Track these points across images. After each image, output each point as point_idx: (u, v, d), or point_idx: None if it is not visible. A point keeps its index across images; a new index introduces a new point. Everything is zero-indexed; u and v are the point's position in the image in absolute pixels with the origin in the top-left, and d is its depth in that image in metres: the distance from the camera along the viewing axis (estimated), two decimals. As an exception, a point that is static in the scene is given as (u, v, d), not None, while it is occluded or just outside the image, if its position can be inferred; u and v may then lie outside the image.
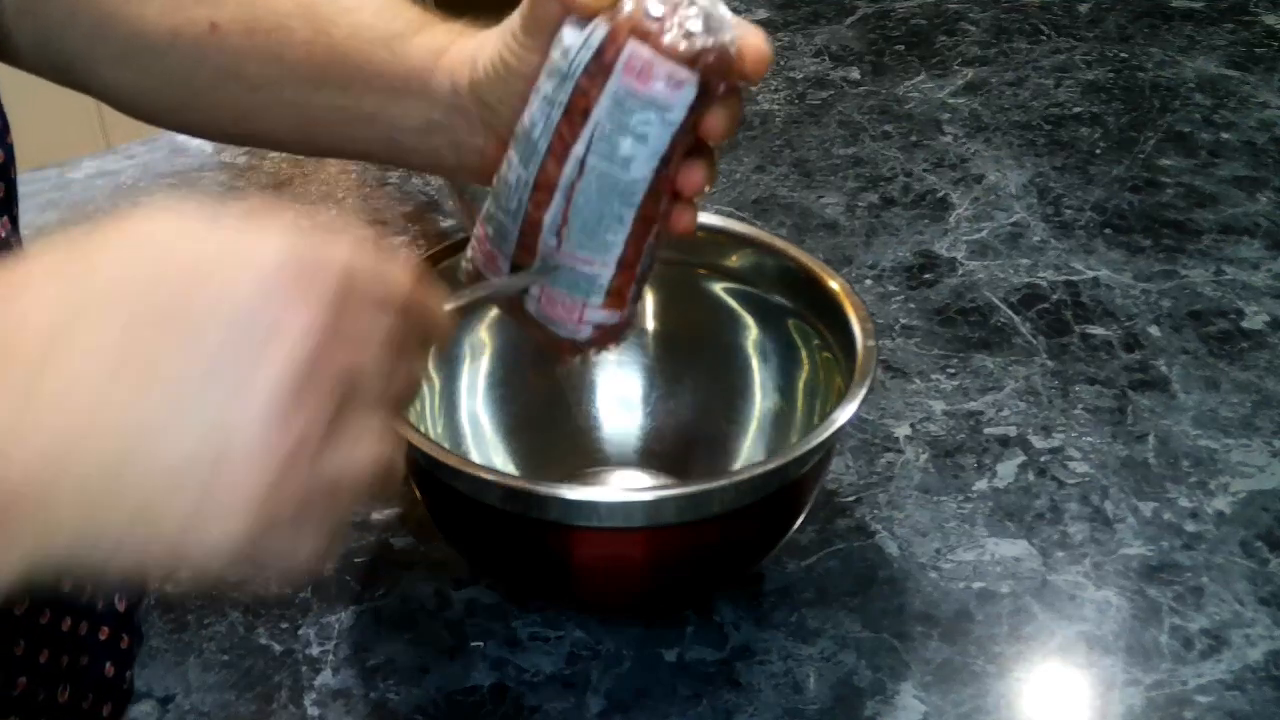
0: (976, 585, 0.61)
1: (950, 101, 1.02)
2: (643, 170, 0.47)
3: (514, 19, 0.51)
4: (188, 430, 0.34)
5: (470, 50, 0.54)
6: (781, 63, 1.08)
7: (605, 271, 0.48)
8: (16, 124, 0.59)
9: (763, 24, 1.13)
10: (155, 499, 0.34)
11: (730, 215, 0.69)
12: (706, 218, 0.66)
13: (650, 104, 0.45)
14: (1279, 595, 0.61)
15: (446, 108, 0.55)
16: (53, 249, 0.36)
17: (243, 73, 0.59)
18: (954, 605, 0.60)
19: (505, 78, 0.52)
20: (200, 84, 0.61)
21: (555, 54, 0.47)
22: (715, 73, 0.46)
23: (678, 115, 0.46)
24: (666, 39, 0.45)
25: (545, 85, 0.48)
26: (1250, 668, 0.57)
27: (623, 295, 0.49)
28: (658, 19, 0.45)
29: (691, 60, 0.45)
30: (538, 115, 0.48)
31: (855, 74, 1.06)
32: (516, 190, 0.48)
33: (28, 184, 0.93)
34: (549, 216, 0.48)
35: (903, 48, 1.10)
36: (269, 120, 0.62)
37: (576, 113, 0.46)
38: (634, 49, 0.45)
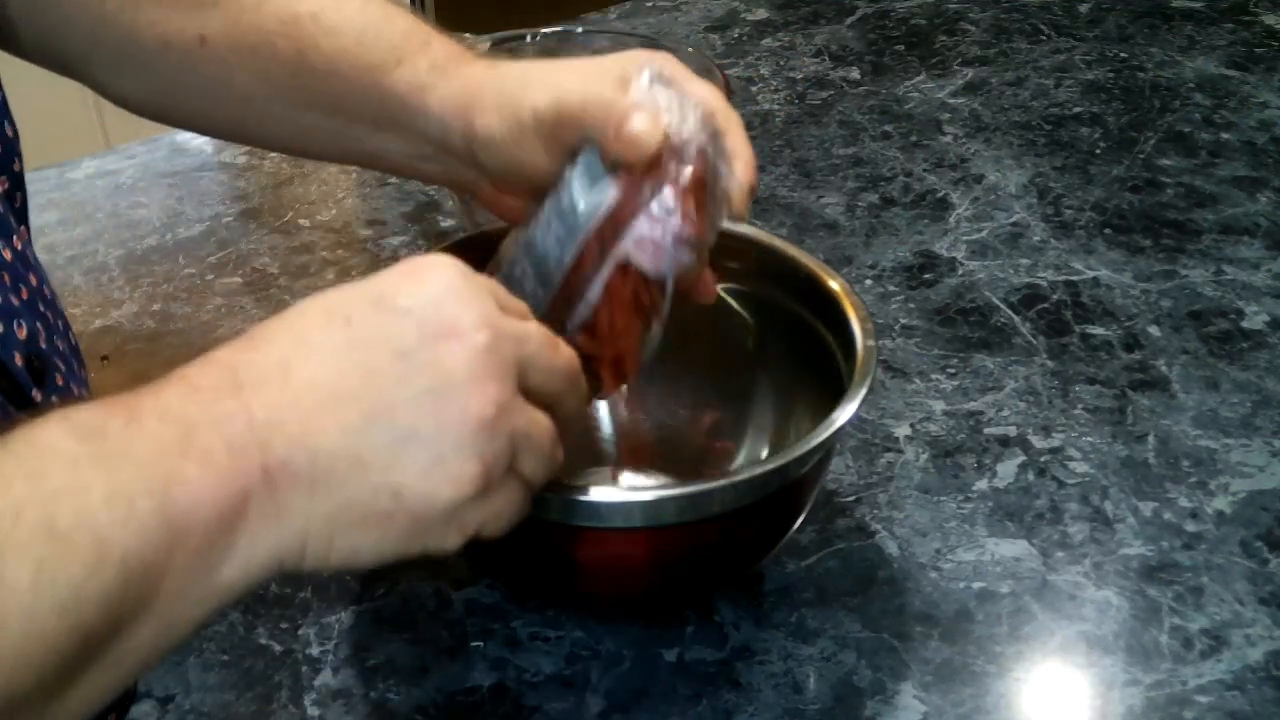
0: (976, 585, 0.61)
1: (950, 101, 1.02)
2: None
3: (523, 109, 0.53)
4: (416, 402, 0.40)
5: (462, 98, 0.55)
6: (781, 63, 1.08)
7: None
8: (16, 123, 0.59)
9: (762, 24, 1.13)
10: (399, 475, 0.40)
11: (730, 215, 0.69)
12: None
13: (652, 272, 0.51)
14: (1279, 595, 0.61)
15: (437, 146, 0.56)
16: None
17: (233, 85, 0.59)
18: (954, 605, 0.60)
19: (505, 155, 0.54)
20: (193, 91, 0.61)
21: (564, 197, 0.51)
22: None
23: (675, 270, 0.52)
24: (673, 225, 0.51)
25: (555, 223, 0.51)
26: (1250, 668, 0.57)
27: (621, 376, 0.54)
28: (666, 207, 0.50)
29: (693, 243, 0.51)
30: (552, 246, 0.51)
31: (855, 74, 1.06)
32: (533, 300, 0.52)
33: (28, 184, 0.93)
34: (570, 323, 0.53)
35: (903, 48, 1.10)
36: (263, 130, 0.63)
37: (589, 259, 0.51)
38: (642, 230, 0.50)
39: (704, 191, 0.51)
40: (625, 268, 0.51)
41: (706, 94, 0.53)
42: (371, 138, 0.58)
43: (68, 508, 0.34)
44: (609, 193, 0.50)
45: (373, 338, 0.41)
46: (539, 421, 0.43)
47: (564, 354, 0.45)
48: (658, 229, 0.50)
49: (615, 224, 0.50)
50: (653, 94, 0.51)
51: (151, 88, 0.63)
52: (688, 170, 0.50)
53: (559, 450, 0.45)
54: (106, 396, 0.39)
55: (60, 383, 0.55)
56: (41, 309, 0.56)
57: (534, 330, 0.44)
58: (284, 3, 0.57)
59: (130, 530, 0.35)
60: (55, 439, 0.36)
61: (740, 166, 0.52)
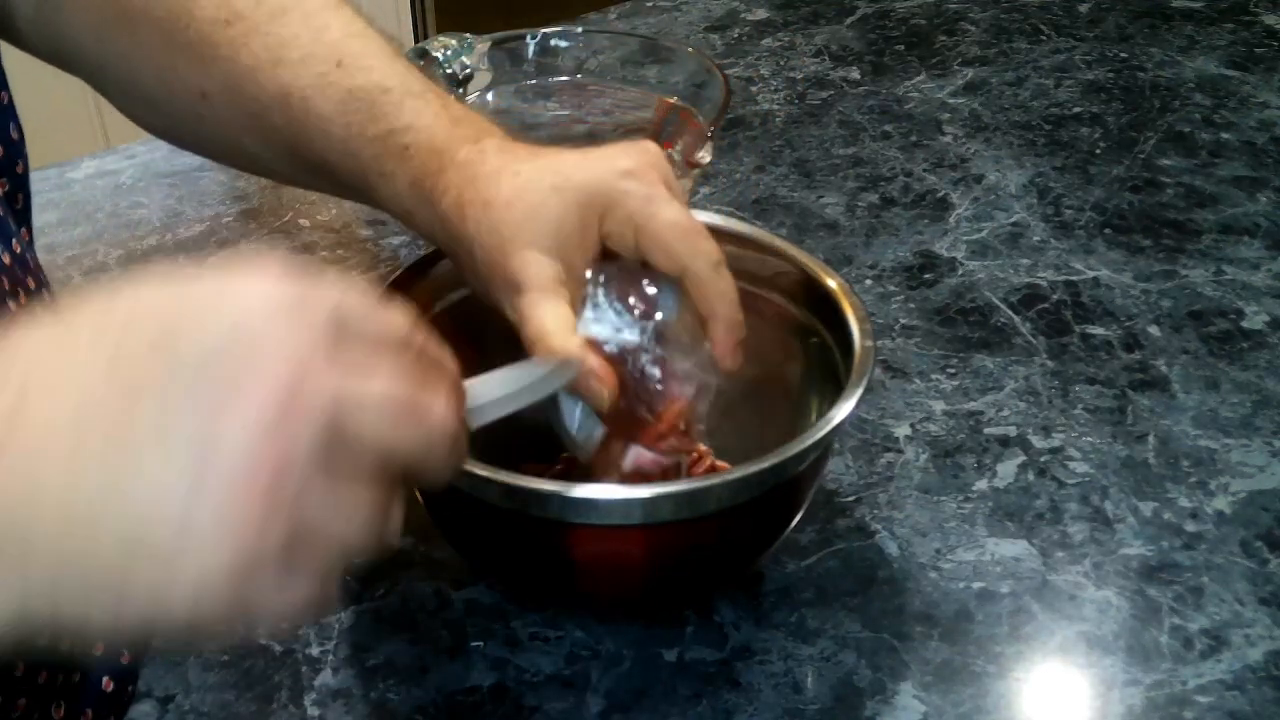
0: (976, 585, 0.61)
1: (950, 101, 1.02)
2: None
3: (505, 264, 0.52)
4: (170, 452, 0.33)
5: (445, 229, 0.54)
6: (781, 63, 1.08)
7: None
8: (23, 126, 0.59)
9: (763, 24, 1.13)
10: (138, 527, 0.33)
11: (730, 215, 0.69)
12: (706, 217, 0.66)
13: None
14: (1279, 595, 0.61)
15: (439, 237, 0.56)
16: (39, 316, 0.35)
17: (237, 139, 0.60)
18: (954, 605, 0.60)
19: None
20: (201, 135, 0.62)
21: (563, 418, 0.54)
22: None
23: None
24: (664, 446, 0.55)
25: (562, 434, 0.54)
26: (1250, 668, 0.57)
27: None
28: (654, 423, 0.54)
29: (687, 450, 0.56)
30: (564, 434, 0.54)
31: (855, 74, 1.06)
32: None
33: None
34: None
35: (903, 48, 1.10)
36: (273, 173, 0.65)
37: (600, 464, 0.55)
38: (636, 453, 0.55)
39: (687, 412, 0.55)
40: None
41: (675, 252, 0.52)
42: (376, 203, 0.59)
43: None
44: (596, 432, 0.54)
45: (138, 382, 0.33)
46: (340, 511, 0.35)
47: (404, 405, 0.36)
48: (647, 455, 0.54)
49: (609, 456, 0.55)
50: (599, 315, 0.54)
51: (160, 123, 0.64)
52: (667, 404, 0.54)
53: (370, 534, 0.36)
54: None
55: None
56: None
57: (372, 387, 0.36)
58: (275, 76, 0.56)
59: None
60: None
61: (719, 328, 0.53)
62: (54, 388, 0.33)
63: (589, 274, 0.54)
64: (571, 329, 0.51)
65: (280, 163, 0.60)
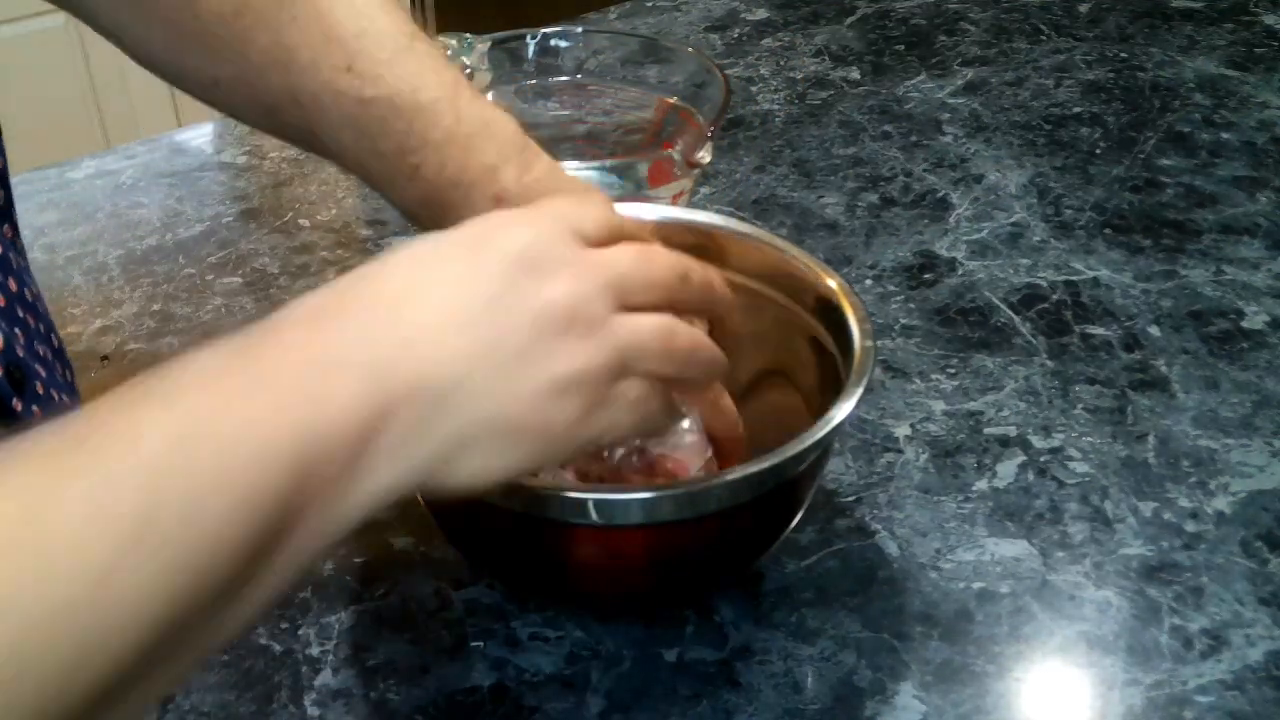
0: (976, 585, 0.61)
1: (950, 101, 1.02)
2: None
3: None
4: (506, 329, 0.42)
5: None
6: (781, 63, 1.08)
7: None
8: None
9: (762, 24, 1.13)
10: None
11: (730, 215, 0.69)
12: (706, 217, 0.66)
13: None
14: (1279, 595, 0.61)
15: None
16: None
17: (253, 121, 0.61)
18: (954, 605, 0.60)
19: None
20: (218, 107, 0.62)
21: None
22: None
23: None
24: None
25: None
26: (1250, 668, 0.57)
27: None
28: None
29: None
30: None
31: (855, 74, 1.06)
32: None
33: (28, 184, 0.93)
34: None
35: (903, 48, 1.10)
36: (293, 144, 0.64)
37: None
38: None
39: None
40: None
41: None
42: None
43: (231, 407, 0.36)
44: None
45: (484, 270, 0.43)
46: (643, 325, 0.45)
47: (658, 265, 0.47)
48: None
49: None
50: None
51: (179, 87, 0.63)
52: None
53: (679, 341, 0.46)
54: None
55: (41, 391, 0.54)
56: (20, 314, 0.55)
57: (625, 254, 0.46)
58: (284, 78, 0.56)
59: (287, 432, 0.36)
60: (205, 355, 0.38)
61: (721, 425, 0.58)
62: (432, 282, 0.42)
63: None
64: None
65: (297, 144, 0.61)
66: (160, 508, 0.33)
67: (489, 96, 0.84)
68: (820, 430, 0.52)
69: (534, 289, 0.42)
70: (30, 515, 0.32)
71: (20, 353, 0.54)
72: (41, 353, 0.57)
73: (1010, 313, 0.79)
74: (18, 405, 0.52)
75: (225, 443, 0.35)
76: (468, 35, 0.83)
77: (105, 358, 0.77)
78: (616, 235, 0.47)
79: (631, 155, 0.79)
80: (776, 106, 1.02)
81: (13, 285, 0.54)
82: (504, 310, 0.42)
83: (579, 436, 0.44)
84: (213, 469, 0.35)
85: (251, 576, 0.36)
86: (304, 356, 0.39)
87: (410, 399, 0.39)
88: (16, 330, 0.54)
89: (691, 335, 0.47)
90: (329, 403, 0.38)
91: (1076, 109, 1.01)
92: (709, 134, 0.77)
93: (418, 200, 0.56)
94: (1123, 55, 1.08)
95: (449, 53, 0.82)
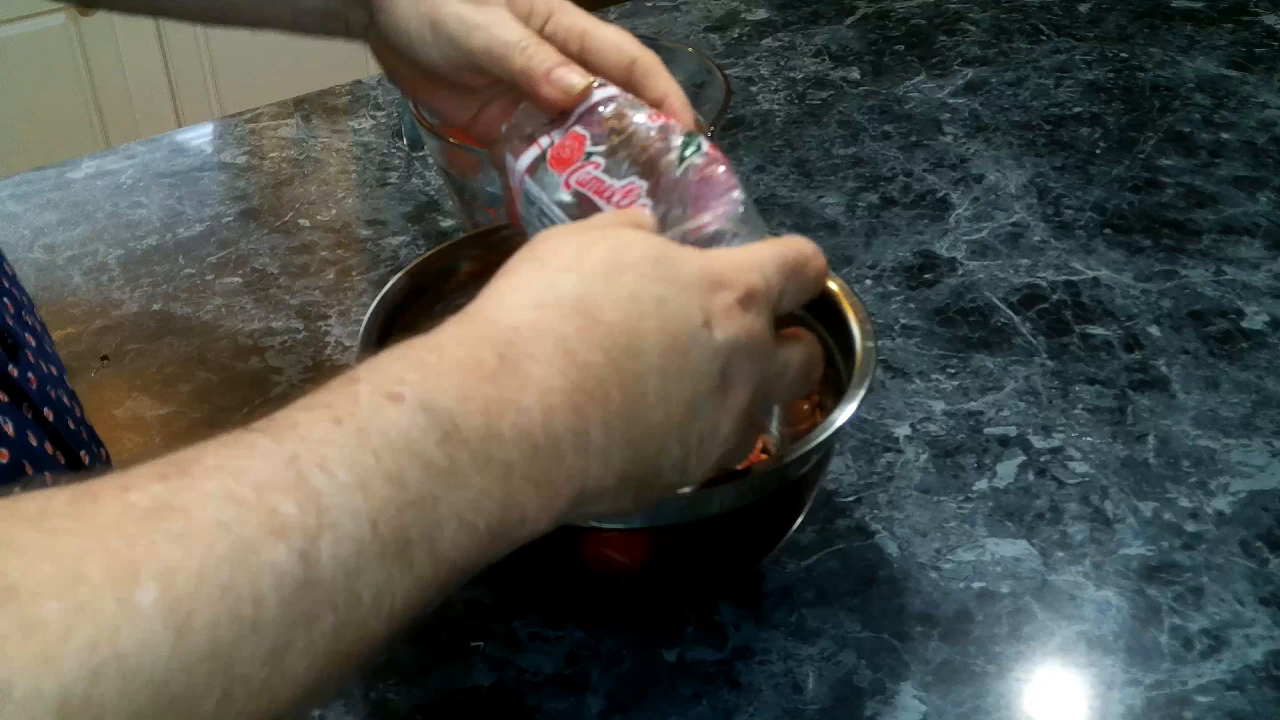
0: (976, 585, 0.61)
1: (950, 101, 1.02)
2: None
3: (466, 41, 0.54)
4: (696, 422, 0.42)
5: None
6: (781, 63, 1.08)
7: None
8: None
9: (762, 24, 1.13)
10: (668, 464, 0.42)
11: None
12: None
13: None
14: (1279, 595, 0.61)
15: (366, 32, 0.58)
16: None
17: None
18: (954, 605, 0.60)
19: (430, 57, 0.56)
20: None
21: (531, 201, 0.54)
22: None
23: None
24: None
25: (532, 220, 0.55)
26: (1250, 668, 0.57)
27: None
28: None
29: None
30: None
31: (855, 74, 1.06)
32: None
33: (28, 184, 0.93)
34: None
35: (903, 48, 1.10)
36: (186, 12, 0.66)
37: None
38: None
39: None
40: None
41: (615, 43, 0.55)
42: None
43: (417, 528, 0.34)
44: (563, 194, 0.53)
45: (690, 373, 0.42)
46: (784, 375, 0.46)
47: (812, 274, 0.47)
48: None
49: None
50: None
51: None
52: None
53: (816, 373, 0.48)
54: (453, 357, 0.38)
55: (31, 359, 0.55)
56: (6, 284, 0.56)
57: (791, 359, 0.47)
58: None
59: (465, 551, 0.36)
60: (414, 436, 0.35)
61: (675, 103, 0.55)
62: (637, 359, 0.40)
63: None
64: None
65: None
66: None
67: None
68: (823, 433, 0.52)
69: (721, 404, 0.43)
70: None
71: (10, 321, 0.54)
72: (29, 322, 0.57)
73: (1010, 313, 0.79)
74: (13, 371, 0.53)
75: (437, 532, 0.35)
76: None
77: (105, 358, 0.77)
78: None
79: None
80: (776, 106, 1.02)
81: None
82: (702, 416, 0.42)
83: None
84: (424, 558, 0.35)
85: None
86: (519, 454, 0.37)
87: (584, 498, 0.39)
88: (5, 300, 0.55)
89: (818, 356, 0.48)
90: (526, 513, 0.37)
91: (1076, 109, 1.01)
92: (709, 134, 0.77)
93: None
94: (1123, 55, 1.08)
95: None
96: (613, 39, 0.55)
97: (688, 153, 0.51)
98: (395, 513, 0.33)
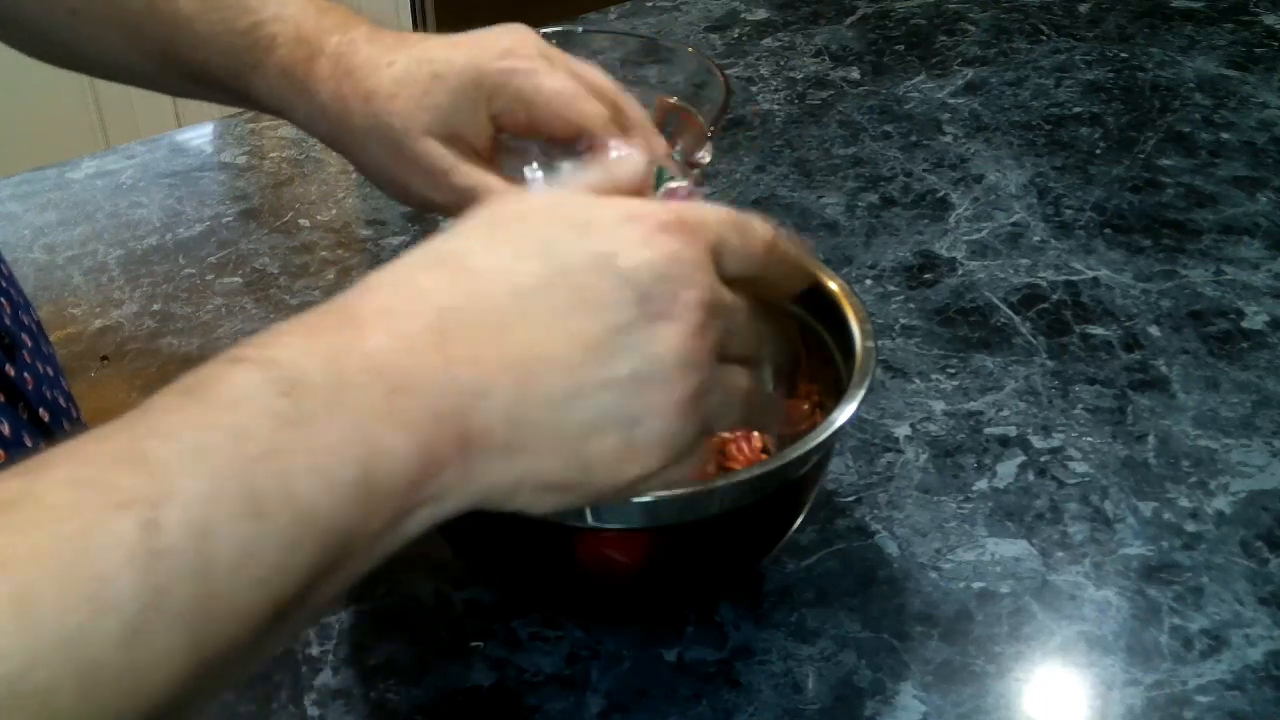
0: (976, 585, 0.61)
1: (950, 101, 1.02)
2: None
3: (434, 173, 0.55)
4: (618, 361, 0.40)
5: (324, 118, 0.56)
6: (781, 63, 1.08)
7: None
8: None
9: (762, 24, 1.13)
10: (598, 418, 0.40)
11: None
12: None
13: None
14: (1279, 595, 0.61)
15: (320, 129, 0.58)
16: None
17: (112, 53, 0.61)
18: (954, 605, 0.60)
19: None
20: (76, 51, 0.63)
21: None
22: None
23: None
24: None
25: None
26: (1250, 668, 0.57)
27: None
28: None
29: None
30: None
31: (855, 74, 1.06)
32: None
33: (28, 184, 0.93)
34: None
35: (903, 48, 1.10)
36: (155, 84, 0.65)
37: None
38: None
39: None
40: None
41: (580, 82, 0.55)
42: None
43: (269, 479, 0.33)
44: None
45: (592, 305, 0.40)
46: (734, 389, 0.44)
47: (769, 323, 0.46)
48: None
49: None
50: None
51: (35, 44, 0.64)
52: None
53: (754, 408, 0.46)
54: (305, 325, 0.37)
55: (28, 359, 0.55)
56: (3, 284, 0.56)
57: (741, 303, 0.44)
58: None
59: (331, 504, 0.34)
60: (254, 390, 0.34)
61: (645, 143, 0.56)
62: (525, 316, 0.39)
63: (527, 172, 0.55)
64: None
65: (158, 73, 0.61)
66: (214, 539, 0.32)
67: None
68: (823, 433, 0.52)
69: (645, 335, 0.40)
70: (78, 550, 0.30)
71: (7, 321, 0.54)
72: (26, 322, 0.57)
73: (1010, 313, 0.79)
74: (10, 371, 0.53)
75: (292, 484, 0.34)
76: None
77: (105, 358, 0.77)
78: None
79: (631, 155, 0.78)
80: (776, 106, 1.02)
81: None
82: (605, 357, 0.40)
83: (632, 491, 0.44)
84: (283, 512, 0.33)
85: (309, 595, 0.35)
86: (375, 397, 0.36)
87: (469, 448, 0.38)
88: (2, 300, 0.55)
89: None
90: (393, 455, 0.36)
91: (1076, 109, 1.01)
92: (709, 134, 0.77)
93: (279, 72, 0.56)
94: (1123, 55, 1.08)
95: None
96: (556, 109, 0.55)
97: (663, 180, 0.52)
98: (242, 467, 0.33)
